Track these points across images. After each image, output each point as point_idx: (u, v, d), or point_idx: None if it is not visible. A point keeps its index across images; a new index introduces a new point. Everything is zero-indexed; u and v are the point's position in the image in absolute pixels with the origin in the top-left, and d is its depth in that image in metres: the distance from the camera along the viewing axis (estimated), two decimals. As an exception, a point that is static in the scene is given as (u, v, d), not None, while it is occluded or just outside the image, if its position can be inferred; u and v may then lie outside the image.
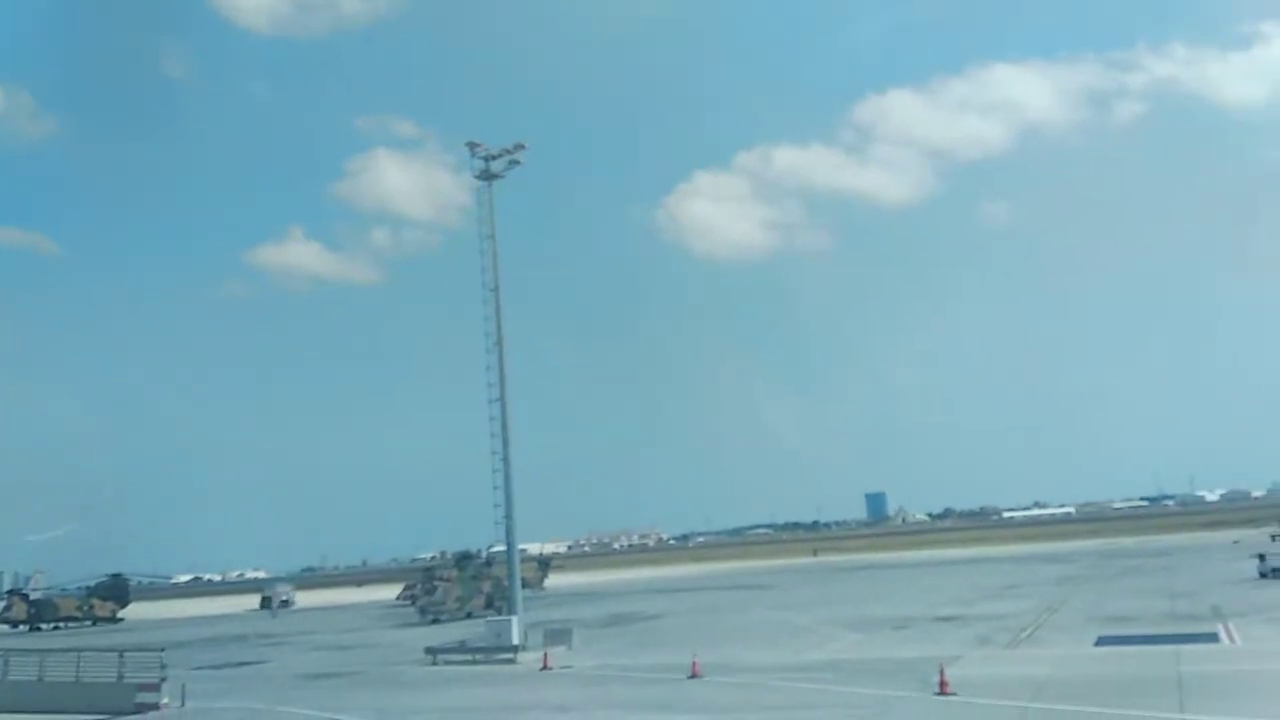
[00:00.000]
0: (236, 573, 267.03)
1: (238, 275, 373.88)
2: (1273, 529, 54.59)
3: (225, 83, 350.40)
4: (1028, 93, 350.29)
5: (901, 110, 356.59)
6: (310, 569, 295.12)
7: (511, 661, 33.18)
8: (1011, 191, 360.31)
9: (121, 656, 28.07)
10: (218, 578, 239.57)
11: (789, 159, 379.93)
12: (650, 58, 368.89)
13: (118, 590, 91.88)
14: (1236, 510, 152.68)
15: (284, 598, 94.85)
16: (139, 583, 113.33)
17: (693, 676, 25.97)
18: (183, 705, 27.02)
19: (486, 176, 39.08)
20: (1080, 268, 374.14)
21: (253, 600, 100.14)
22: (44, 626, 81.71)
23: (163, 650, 28.77)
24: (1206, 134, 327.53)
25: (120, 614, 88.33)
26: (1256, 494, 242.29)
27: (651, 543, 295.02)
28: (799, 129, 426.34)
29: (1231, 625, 29.35)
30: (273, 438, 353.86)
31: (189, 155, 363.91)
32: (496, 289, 38.41)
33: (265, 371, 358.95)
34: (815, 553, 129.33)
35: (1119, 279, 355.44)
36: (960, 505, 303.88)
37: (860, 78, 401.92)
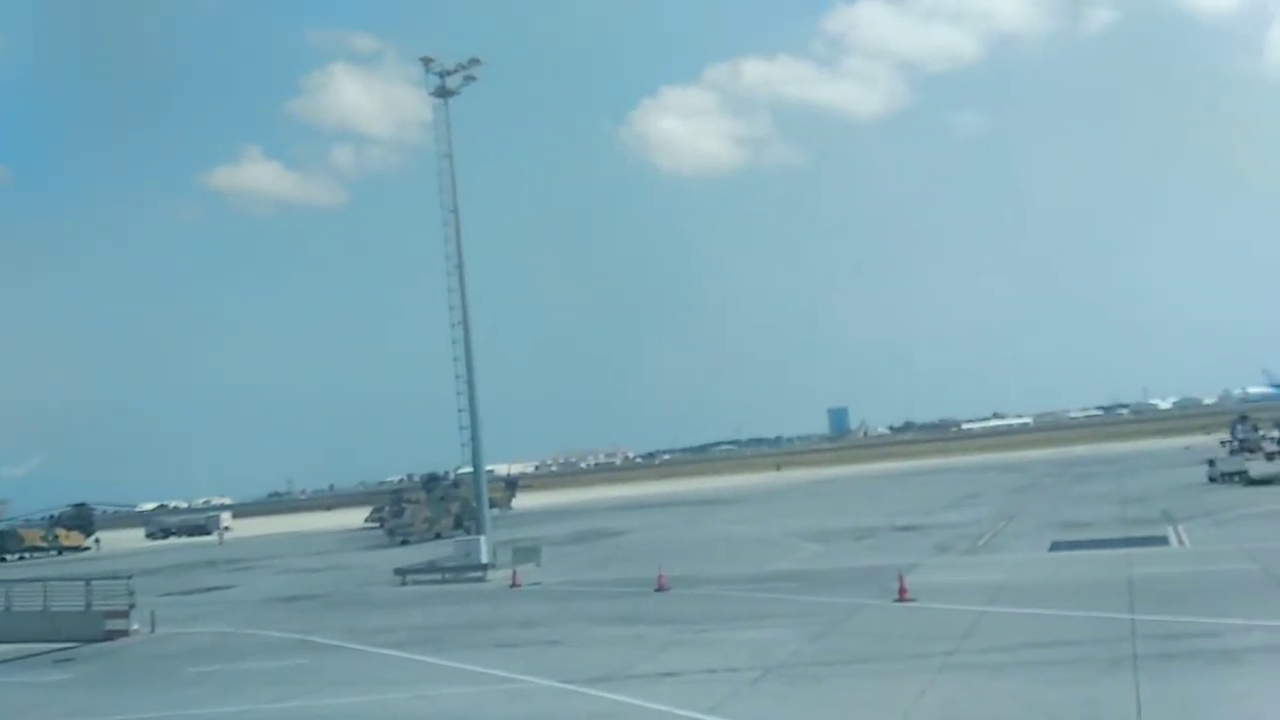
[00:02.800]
0: (203, 500, 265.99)
1: (194, 198, 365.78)
2: (1222, 435, 55.94)
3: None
4: (999, 1, 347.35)
5: (871, 20, 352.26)
6: (277, 494, 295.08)
7: (481, 580, 33.56)
8: (983, 102, 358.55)
9: (89, 585, 28.05)
10: (184, 505, 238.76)
11: (757, 72, 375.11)
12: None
13: (82, 519, 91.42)
14: (1188, 418, 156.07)
15: (225, 526, 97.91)
16: (103, 512, 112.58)
17: (659, 590, 26.43)
18: (153, 631, 27.13)
19: (442, 93, 38.06)
20: (1047, 179, 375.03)
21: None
22: (8, 557, 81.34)
23: (130, 578, 28.79)
24: (1177, 41, 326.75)
25: (86, 543, 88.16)
26: (1208, 402, 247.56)
27: (618, 461, 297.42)
28: (768, 40, 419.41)
29: (1181, 528, 30.23)
30: (235, 364, 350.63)
31: (138, 71, 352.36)
32: (455, 210, 37.78)
33: (227, 297, 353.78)
34: (779, 468, 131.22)
35: (1083, 190, 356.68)
36: (920, 418, 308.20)
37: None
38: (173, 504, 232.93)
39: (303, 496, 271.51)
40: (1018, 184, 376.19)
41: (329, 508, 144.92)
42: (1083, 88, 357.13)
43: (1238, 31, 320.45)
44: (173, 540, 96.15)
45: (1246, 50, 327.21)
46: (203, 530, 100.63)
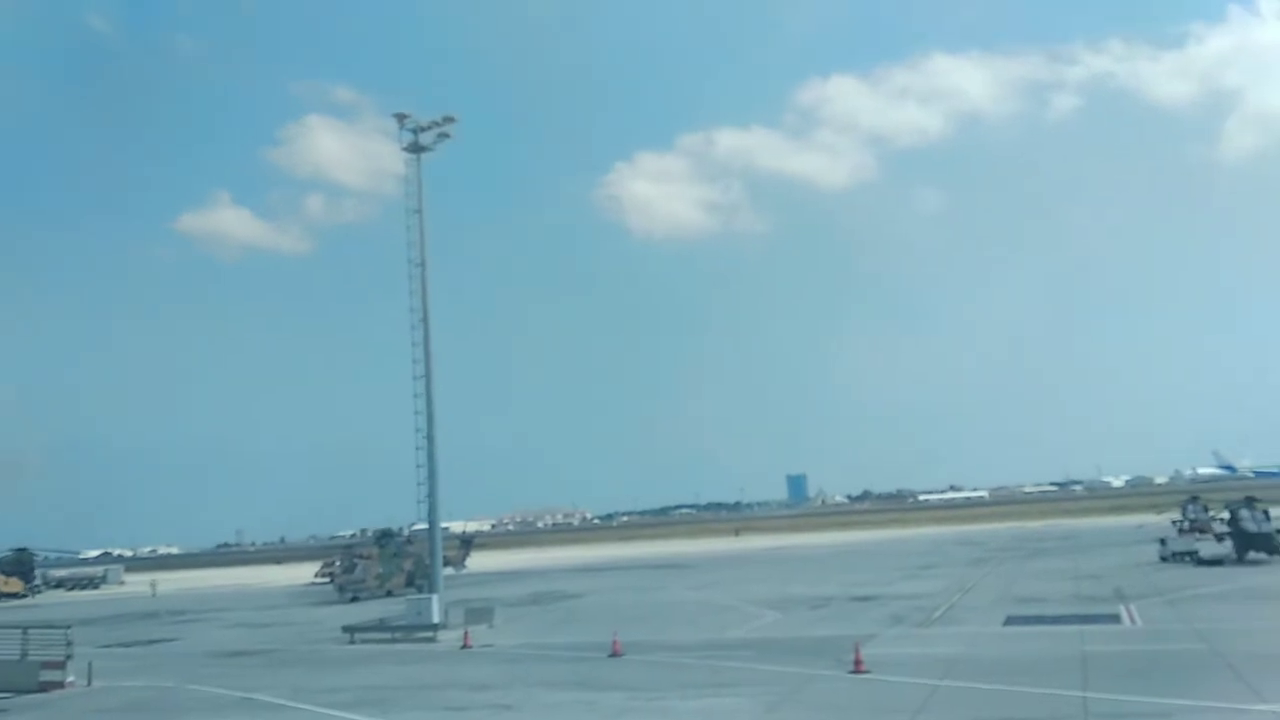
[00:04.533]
0: (149, 549, 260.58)
1: (164, 242, 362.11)
2: (1174, 515, 56.60)
3: (152, 38, 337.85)
4: (967, 82, 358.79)
5: (843, 95, 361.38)
6: (226, 545, 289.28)
7: (431, 640, 32.97)
8: (948, 178, 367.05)
9: (25, 633, 27.26)
10: (129, 553, 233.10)
11: (731, 141, 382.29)
12: (600, 35, 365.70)
13: (22, 566, 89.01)
14: (1140, 496, 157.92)
15: (117, 580, 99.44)
16: (45, 558, 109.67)
17: (613, 655, 26.12)
18: (89, 684, 26.33)
19: (415, 149, 38.38)
20: (1008, 257, 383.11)
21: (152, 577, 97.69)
22: (-57, 603, 78.81)
23: (69, 627, 28.00)
24: (1138, 128, 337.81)
25: (24, 590, 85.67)
26: (1159, 481, 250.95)
27: (576, 522, 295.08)
28: (742, 111, 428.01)
29: (1133, 607, 30.42)
30: (189, 411, 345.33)
31: (113, 114, 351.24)
32: (423, 264, 37.85)
33: (186, 342, 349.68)
34: (737, 533, 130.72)
35: (1042, 268, 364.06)
36: (878, 488, 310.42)
37: (804, 62, 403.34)
38: (117, 551, 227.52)
39: (252, 549, 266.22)
40: (979, 261, 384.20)
41: (279, 561, 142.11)
42: (1046, 170, 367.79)
43: (1197, 121, 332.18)
44: (59, 594, 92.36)
45: (1204, 139, 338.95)
46: (93, 584, 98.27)
